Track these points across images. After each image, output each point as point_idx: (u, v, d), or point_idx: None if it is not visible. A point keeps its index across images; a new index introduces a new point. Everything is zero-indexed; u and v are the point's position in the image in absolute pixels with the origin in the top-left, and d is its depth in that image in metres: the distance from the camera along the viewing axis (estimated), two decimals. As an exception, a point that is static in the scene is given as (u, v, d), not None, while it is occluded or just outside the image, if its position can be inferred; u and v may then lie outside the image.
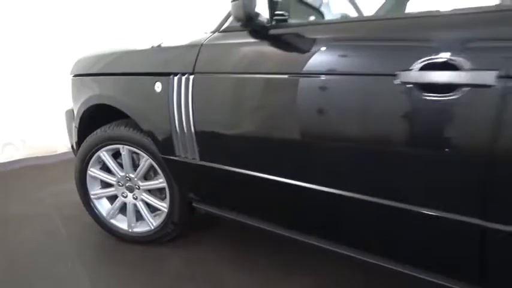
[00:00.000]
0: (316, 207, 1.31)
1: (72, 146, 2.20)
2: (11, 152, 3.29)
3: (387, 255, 1.22)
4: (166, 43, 1.63)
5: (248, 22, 1.21)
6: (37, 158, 3.40)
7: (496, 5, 0.96)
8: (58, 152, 3.50)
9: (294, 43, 1.26)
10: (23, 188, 2.80)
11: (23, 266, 1.82)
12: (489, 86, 0.89)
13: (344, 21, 1.33)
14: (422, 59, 0.98)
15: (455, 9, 0.99)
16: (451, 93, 0.94)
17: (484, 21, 0.94)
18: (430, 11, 1.04)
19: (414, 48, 1.02)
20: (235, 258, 1.85)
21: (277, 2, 1.29)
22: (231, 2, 1.17)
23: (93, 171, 1.97)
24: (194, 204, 1.77)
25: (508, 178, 0.91)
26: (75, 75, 2.07)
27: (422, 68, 0.98)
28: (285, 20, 1.36)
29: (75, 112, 2.07)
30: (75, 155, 2.06)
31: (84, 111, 1.98)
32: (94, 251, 1.98)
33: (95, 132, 1.92)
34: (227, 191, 1.59)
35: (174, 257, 1.89)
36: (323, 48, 1.17)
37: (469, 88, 0.92)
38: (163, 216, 1.89)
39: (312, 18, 1.52)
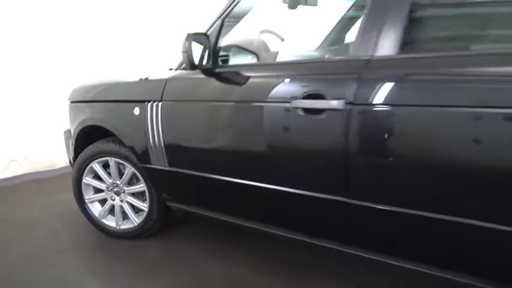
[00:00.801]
0: (255, 199, 1.80)
1: (69, 161, 2.69)
2: (16, 168, 3.77)
3: (301, 230, 1.71)
4: (142, 78, 2.14)
5: (192, 67, 1.73)
6: (39, 172, 3.87)
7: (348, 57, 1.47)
8: (57, 167, 3.98)
9: (229, 79, 1.77)
10: (27, 198, 3.27)
11: (30, 260, 2.29)
12: (340, 110, 1.39)
13: (263, 64, 1.86)
14: (305, 92, 1.49)
15: (324, 59, 1.51)
16: (321, 114, 1.45)
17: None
18: (308, 59, 1.56)
19: (300, 83, 1.53)
20: (206, 247, 2.32)
21: (219, 50, 1.81)
22: (181, 52, 1.69)
23: (87, 179, 2.46)
24: (168, 203, 2.25)
25: (359, 169, 1.41)
26: (72, 102, 2.58)
27: (305, 97, 1.49)
28: (227, 61, 1.88)
29: (72, 132, 2.56)
30: (72, 168, 2.55)
31: (79, 131, 2.47)
32: (89, 245, 2.46)
33: (88, 147, 2.41)
34: (191, 191, 2.09)
35: (153, 248, 2.36)
36: (249, 82, 1.68)
37: (330, 111, 1.43)
38: (144, 214, 2.37)
39: (250, 57, 2.03)
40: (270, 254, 2.18)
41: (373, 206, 1.40)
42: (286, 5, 2.24)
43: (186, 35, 1.66)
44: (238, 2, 1.79)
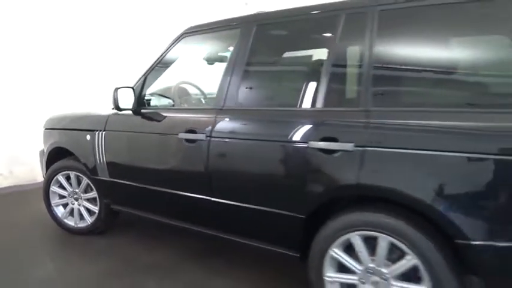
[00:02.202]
0: (167, 201, 2.60)
1: (43, 175, 3.51)
2: (1, 181, 4.59)
3: (223, 226, 2.46)
4: (92, 114, 2.98)
5: (118, 109, 2.58)
6: (22, 185, 4.69)
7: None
8: (38, 181, 4.79)
9: (147, 117, 2.62)
10: (11, 206, 4.07)
11: (6, 247, 3.08)
12: (203, 140, 2.23)
13: (168, 108, 2.71)
14: (186, 128, 2.34)
15: (201, 105, 2.36)
16: (195, 143, 2.29)
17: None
18: (192, 107, 2.42)
19: (185, 122, 2.38)
20: (140, 242, 3.10)
21: (143, 97, 2.67)
22: (114, 97, 2.54)
23: (54, 188, 3.28)
24: (111, 206, 3.06)
25: (216, 178, 2.24)
26: (46, 128, 3.42)
27: (187, 132, 2.33)
28: (149, 104, 2.73)
29: (45, 151, 3.39)
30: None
31: (50, 151, 3.31)
32: (53, 238, 3.24)
33: (55, 164, 3.24)
34: (124, 195, 2.90)
35: (101, 241, 3.15)
36: (157, 120, 2.53)
37: (199, 141, 2.26)
38: (95, 215, 3.18)
39: (168, 101, 2.88)
40: (188, 244, 2.97)
41: (223, 201, 2.22)
42: (206, 62, 3.09)
43: (114, 89, 2.52)
44: (156, 64, 2.66)
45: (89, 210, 3.22)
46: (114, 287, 2.46)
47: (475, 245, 1.52)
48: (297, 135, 1.93)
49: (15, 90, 4.58)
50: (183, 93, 2.98)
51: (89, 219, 3.22)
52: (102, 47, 5.05)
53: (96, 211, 3.16)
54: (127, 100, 2.65)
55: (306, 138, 1.90)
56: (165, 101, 2.84)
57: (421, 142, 1.61)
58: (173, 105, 2.81)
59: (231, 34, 2.35)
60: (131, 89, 2.62)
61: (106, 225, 3.25)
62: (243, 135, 2.13)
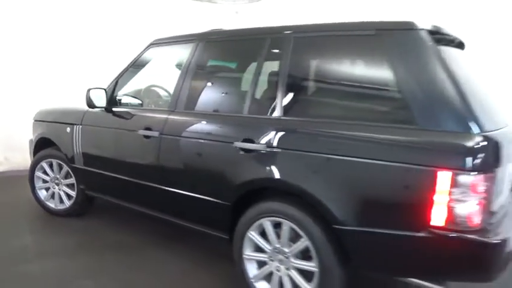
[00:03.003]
0: (130, 188, 3.02)
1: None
2: (-2, 166, 5.08)
3: (170, 210, 2.89)
4: (73, 109, 3.42)
5: (91, 107, 3.02)
6: (15, 171, 5.15)
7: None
8: (31, 168, 5.26)
9: (116, 114, 3.05)
10: (3, 189, 4.53)
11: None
12: (157, 137, 2.66)
13: (138, 108, 3.13)
14: (144, 125, 2.76)
15: (158, 106, 2.79)
16: (150, 139, 2.71)
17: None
18: (152, 108, 2.84)
19: (144, 120, 2.81)
20: (111, 223, 3.54)
21: (114, 97, 3.09)
22: (87, 96, 2.97)
23: (38, 173, 3.72)
24: (86, 192, 3.49)
25: (165, 168, 2.66)
26: (35, 120, 3.87)
27: (145, 129, 2.76)
28: (120, 103, 3.16)
29: (33, 140, 3.85)
30: (31, 165, 3.82)
31: (37, 140, 3.76)
32: (35, 217, 3.69)
33: (40, 152, 3.69)
34: (95, 182, 3.33)
35: (77, 222, 3.58)
36: (129, 118, 2.95)
37: (153, 137, 2.69)
38: (73, 199, 3.62)
39: (138, 101, 3.30)
40: (156, 228, 3.40)
41: (170, 189, 2.64)
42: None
43: (87, 89, 2.96)
44: (127, 69, 3.10)
45: (67, 195, 3.66)
46: (81, 258, 2.88)
47: (347, 229, 1.92)
48: (226, 136, 2.35)
49: (13, 83, 5.05)
50: (152, 95, 3.41)
51: (68, 203, 3.66)
52: (100, 45, 5.49)
53: (74, 195, 3.60)
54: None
55: (232, 138, 2.31)
56: (135, 102, 3.26)
57: (311, 146, 2.02)
58: (141, 106, 3.22)
59: (187, 47, 2.77)
60: (103, 90, 3.05)
61: (82, 208, 3.68)
62: (185, 134, 2.54)
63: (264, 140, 2.18)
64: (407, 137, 1.80)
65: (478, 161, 1.66)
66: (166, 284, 2.57)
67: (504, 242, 1.68)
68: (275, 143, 2.14)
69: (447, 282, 1.94)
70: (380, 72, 2.01)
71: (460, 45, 2.39)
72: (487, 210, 1.73)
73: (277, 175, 2.12)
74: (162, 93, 3.48)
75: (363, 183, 1.90)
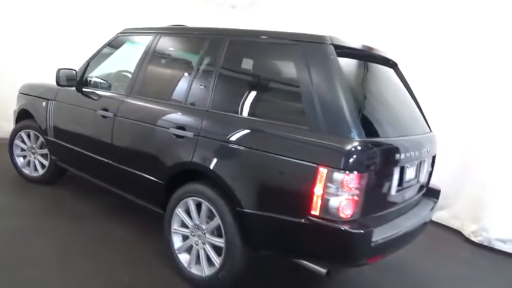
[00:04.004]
0: (88, 162, 3.35)
1: (13, 130, 4.33)
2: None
3: (118, 185, 3.23)
4: (50, 85, 3.75)
5: (59, 85, 3.34)
6: (6, 138, 5.54)
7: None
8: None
9: (85, 94, 3.37)
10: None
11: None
12: (111, 117, 2.98)
13: (101, 90, 3.43)
14: (101, 106, 3.08)
15: (117, 91, 3.11)
16: (106, 118, 3.03)
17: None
18: (112, 93, 3.17)
19: (101, 102, 3.13)
20: (78, 193, 3.89)
21: (84, 78, 3.41)
22: (56, 76, 3.29)
23: (16, 142, 4.08)
24: (56, 163, 3.84)
25: (116, 146, 2.99)
26: (20, 93, 4.23)
27: (102, 109, 3.08)
28: (90, 84, 3.48)
29: (16, 111, 4.21)
30: (11, 133, 4.18)
31: (19, 111, 4.12)
32: (11, 182, 4.06)
33: (20, 122, 4.05)
34: (63, 154, 3.67)
35: (47, 188, 3.95)
36: (93, 99, 3.27)
37: (109, 117, 3.01)
38: (46, 168, 3.97)
39: (107, 84, 3.62)
40: (114, 201, 3.74)
41: (118, 166, 2.97)
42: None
43: (57, 69, 3.28)
44: (97, 54, 3.41)
45: (41, 164, 4.02)
46: (39, 220, 3.24)
47: (247, 212, 2.22)
48: (165, 122, 2.65)
49: (10, 57, 5.43)
50: (121, 79, 3.72)
51: (41, 171, 4.03)
52: (96, 30, 5.79)
53: (47, 165, 3.96)
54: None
55: (169, 124, 2.62)
56: (103, 84, 3.57)
57: (224, 136, 2.32)
58: (109, 88, 3.54)
59: (147, 38, 3.07)
60: (73, 71, 3.37)
61: (53, 177, 4.04)
62: (134, 117, 2.86)
63: (192, 128, 2.48)
64: (299, 137, 2.09)
65: (351, 161, 1.94)
66: (99, 249, 2.90)
67: (367, 234, 1.96)
68: (200, 132, 2.44)
69: (329, 265, 2.22)
70: (291, 78, 2.30)
71: (385, 61, 2.66)
72: (361, 206, 2.01)
73: (198, 160, 2.43)
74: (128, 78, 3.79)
75: (260, 172, 2.20)
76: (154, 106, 2.81)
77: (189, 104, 2.63)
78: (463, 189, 4.07)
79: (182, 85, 2.72)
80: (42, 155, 4.00)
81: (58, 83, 3.32)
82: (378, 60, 2.66)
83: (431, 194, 2.98)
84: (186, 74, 2.78)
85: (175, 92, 2.77)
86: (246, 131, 2.28)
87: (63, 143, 3.55)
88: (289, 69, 2.31)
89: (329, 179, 1.94)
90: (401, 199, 2.43)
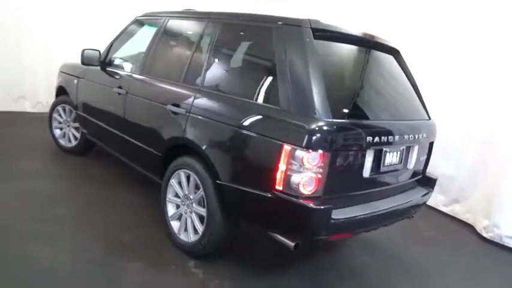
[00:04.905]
0: (108, 135, 3.67)
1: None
2: (40, 108, 6.09)
3: (128, 156, 3.54)
4: (80, 65, 4.12)
5: (83, 64, 3.67)
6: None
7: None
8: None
9: (107, 73, 3.69)
10: (39, 126, 5.49)
11: (16, 151, 4.44)
12: (123, 94, 3.26)
13: (119, 70, 3.71)
14: (116, 84, 3.37)
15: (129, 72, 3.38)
16: (120, 95, 3.32)
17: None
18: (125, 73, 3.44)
19: (116, 81, 3.42)
20: (100, 163, 4.28)
21: (109, 58, 3.72)
22: (81, 56, 3.63)
23: (54, 115, 4.55)
24: (87, 136, 4.23)
25: (126, 121, 3.27)
26: (60, 71, 4.68)
27: (117, 87, 3.37)
28: (113, 63, 3.80)
29: (55, 88, 4.67)
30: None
31: (58, 88, 4.57)
32: (48, 151, 4.55)
33: (57, 98, 4.50)
34: (89, 128, 4.04)
35: (78, 159, 4.38)
36: (111, 77, 3.58)
37: (121, 94, 3.29)
38: (78, 140, 4.40)
39: (127, 64, 3.90)
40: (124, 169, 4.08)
41: (127, 138, 3.25)
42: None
43: (82, 49, 3.61)
44: (119, 36, 3.70)
45: (74, 136, 4.45)
46: (68, 185, 3.65)
47: (225, 184, 2.38)
48: (164, 99, 2.87)
49: (63, 40, 5.99)
50: (138, 59, 3.98)
51: (74, 142, 4.46)
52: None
53: (78, 137, 4.38)
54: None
55: (167, 101, 2.83)
56: (124, 64, 3.86)
57: (208, 113, 2.49)
58: (127, 68, 3.82)
59: (158, 22, 3.29)
60: (98, 51, 3.69)
61: (85, 149, 4.46)
62: (140, 94, 3.11)
63: (185, 105, 2.68)
64: (270, 115, 2.20)
65: (313, 140, 2.02)
66: (111, 212, 3.23)
67: (326, 210, 2.04)
68: (191, 109, 2.62)
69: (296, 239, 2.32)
70: (270, 59, 2.39)
71: (384, 48, 2.68)
72: (324, 183, 2.09)
73: (187, 135, 2.62)
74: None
75: (236, 148, 2.34)
76: (156, 84, 3.04)
77: (186, 82, 2.81)
78: (478, 183, 3.91)
79: (181, 65, 2.91)
80: (75, 128, 4.42)
81: (82, 62, 3.66)
82: (377, 47, 2.67)
83: (426, 182, 2.95)
84: (183, 55, 2.97)
85: (176, 70, 2.96)
86: (226, 109, 2.43)
87: (89, 117, 3.91)
88: (269, 51, 2.40)
89: (292, 156, 2.04)
90: (379, 182, 2.46)
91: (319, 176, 2.07)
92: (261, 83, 2.41)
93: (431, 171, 4.29)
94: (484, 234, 3.75)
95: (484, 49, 3.89)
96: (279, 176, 2.10)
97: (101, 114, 3.71)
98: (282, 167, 2.08)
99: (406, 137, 2.50)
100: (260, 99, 2.33)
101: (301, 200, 2.05)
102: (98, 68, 3.79)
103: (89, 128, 4.07)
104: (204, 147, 2.49)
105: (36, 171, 3.89)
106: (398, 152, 2.52)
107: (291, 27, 2.28)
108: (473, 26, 4.00)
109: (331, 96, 2.16)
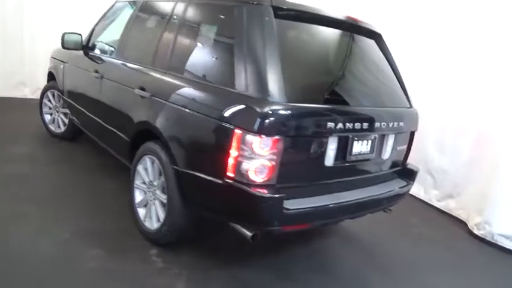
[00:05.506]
0: (87, 120, 3.63)
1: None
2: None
3: (104, 141, 3.49)
4: (61, 50, 4.06)
5: (64, 48, 3.61)
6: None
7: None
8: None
9: (88, 57, 3.63)
10: (32, 111, 5.52)
11: (7, 134, 4.46)
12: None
13: (99, 54, 3.64)
14: (94, 69, 3.30)
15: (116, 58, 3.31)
16: (100, 79, 3.25)
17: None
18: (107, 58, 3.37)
19: (102, 67, 3.34)
20: (88, 151, 4.25)
21: (91, 43, 3.66)
22: (61, 39, 3.57)
23: (45, 101, 4.54)
24: (73, 122, 4.20)
25: (103, 105, 3.20)
26: (51, 57, 4.66)
27: (95, 72, 3.30)
28: (94, 47, 3.73)
29: (47, 74, 4.66)
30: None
31: (48, 73, 4.55)
32: (38, 136, 4.55)
33: (46, 84, 4.48)
34: (75, 113, 4.01)
35: (66, 144, 4.36)
36: (91, 61, 3.52)
37: (100, 79, 3.23)
38: (66, 126, 4.38)
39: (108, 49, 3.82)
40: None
41: (100, 121, 3.19)
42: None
43: (62, 33, 3.55)
44: (99, 21, 3.63)
45: (63, 121, 4.43)
46: (51, 168, 3.65)
47: (180, 170, 2.28)
48: (132, 83, 2.79)
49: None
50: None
51: (62, 128, 4.45)
52: None
53: (66, 123, 4.36)
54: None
55: (134, 85, 2.74)
56: (106, 48, 3.77)
57: (167, 96, 2.39)
58: (106, 52, 3.74)
59: (134, 6, 3.20)
60: (79, 35, 3.63)
61: (73, 134, 4.44)
62: (112, 78, 3.04)
63: (150, 89, 2.58)
64: (223, 98, 2.08)
65: (265, 125, 1.89)
66: (86, 196, 3.18)
67: (276, 199, 1.92)
68: (155, 92, 2.53)
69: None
70: (231, 39, 2.25)
71: (365, 32, 2.53)
72: (277, 171, 1.96)
73: (150, 119, 2.53)
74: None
75: (189, 132, 2.24)
76: (126, 68, 2.95)
77: (154, 66, 2.72)
78: (472, 179, 3.70)
79: (151, 48, 2.81)
80: (64, 114, 4.39)
81: (63, 46, 3.61)
82: (353, 30, 2.50)
83: (406, 174, 2.78)
84: (153, 38, 2.85)
85: (145, 54, 2.86)
86: (183, 92, 2.32)
87: (73, 103, 3.87)
88: (229, 31, 2.28)
89: (243, 141, 1.92)
90: (346, 172, 2.32)
91: (273, 163, 1.94)
92: (219, 65, 2.29)
93: (427, 163, 4.15)
94: (476, 232, 3.55)
95: (480, 44, 3.68)
96: (231, 162, 1.98)
97: (82, 100, 3.67)
98: (233, 153, 1.97)
99: (378, 124, 2.34)
100: (217, 82, 2.22)
101: (251, 188, 1.93)
102: (81, 52, 3.73)
103: (74, 114, 4.04)
104: (163, 132, 2.40)
105: (22, 155, 3.89)
106: (370, 141, 2.37)
107: (251, 5, 2.15)
108: (474, 25, 3.77)
109: (291, 78, 2.02)
